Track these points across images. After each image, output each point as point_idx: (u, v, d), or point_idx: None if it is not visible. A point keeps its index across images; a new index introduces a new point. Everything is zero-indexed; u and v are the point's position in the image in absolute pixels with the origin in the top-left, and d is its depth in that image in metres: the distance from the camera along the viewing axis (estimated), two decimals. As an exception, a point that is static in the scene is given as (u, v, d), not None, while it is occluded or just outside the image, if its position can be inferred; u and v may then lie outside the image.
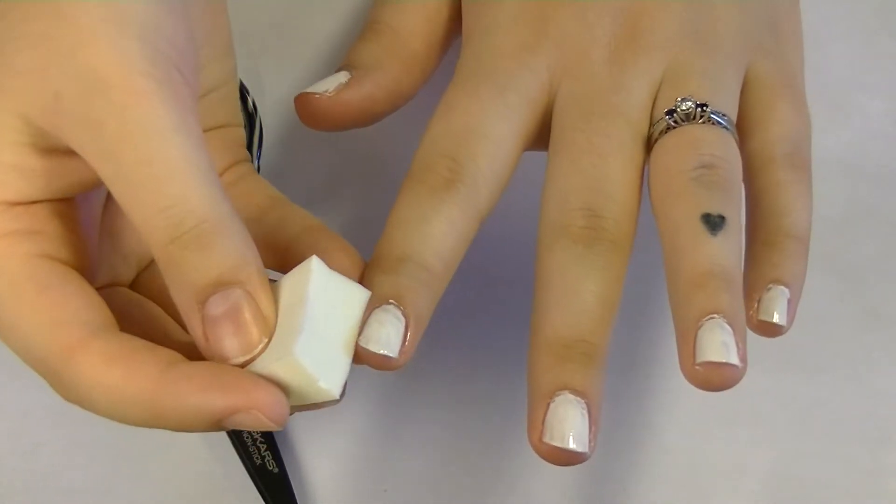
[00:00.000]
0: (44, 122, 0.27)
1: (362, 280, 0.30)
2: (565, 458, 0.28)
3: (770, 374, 0.42)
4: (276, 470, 0.38)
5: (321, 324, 0.27)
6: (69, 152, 0.28)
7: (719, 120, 0.31)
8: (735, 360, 0.28)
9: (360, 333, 0.28)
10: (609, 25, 0.33)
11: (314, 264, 0.28)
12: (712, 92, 0.32)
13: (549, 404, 0.28)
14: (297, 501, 0.38)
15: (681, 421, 0.41)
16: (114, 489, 0.39)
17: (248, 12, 0.35)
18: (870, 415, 0.41)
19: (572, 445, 0.28)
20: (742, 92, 0.33)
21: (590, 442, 0.28)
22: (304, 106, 0.34)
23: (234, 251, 0.27)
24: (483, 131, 0.32)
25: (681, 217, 0.30)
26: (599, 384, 0.29)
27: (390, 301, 0.28)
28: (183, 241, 0.26)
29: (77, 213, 0.30)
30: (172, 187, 0.26)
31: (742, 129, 0.33)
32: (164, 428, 0.27)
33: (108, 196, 0.32)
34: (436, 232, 0.30)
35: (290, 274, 0.28)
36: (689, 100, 0.31)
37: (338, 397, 0.27)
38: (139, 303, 0.32)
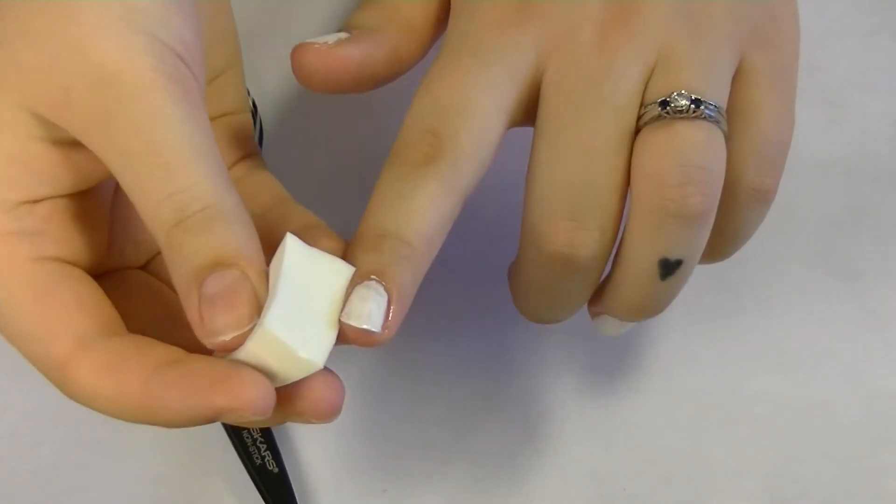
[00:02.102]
0: (52, 116, 0.28)
1: (345, 260, 0.30)
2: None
3: (770, 374, 0.42)
4: (276, 470, 0.38)
5: (298, 297, 0.27)
6: (76, 145, 0.28)
7: (711, 114, 0.31)
8: None
9: (342, 309, 0.28)
10: (598, 2, 0.32)
11: (289, 241, 0.28)
12: (705, 80, 0.31)
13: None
14: (297, 501, 0.38)
15: (681, 421, 0.41)
16: (114, 489, 0.39)
17: (248, 12, 0.35)
18: (870, 415, 0.41)
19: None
20: (733, 81, 0.33)
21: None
22: (301, 58, 0.33)
23: (235, 235, 0.27)
24: (466, 105, 0.31)
25: (641, 255, 0.31)
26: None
27: (372, 277, 0.28)
28: (186, 225, 0.26)
29: (84, 206, 0.31)
30: (179, 175, 0.27)
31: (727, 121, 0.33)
32: (160, 426, 0.28)
33: (118, 184, 0.33)
34: (416, 207, 0.30)
35: (272, 259, 0.28)
36: (685, 96, 0.30)
37: (321, 367, 0.27)
38: (149, 286, 0.33)
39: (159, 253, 0.33)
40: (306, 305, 0.28)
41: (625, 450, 0.41)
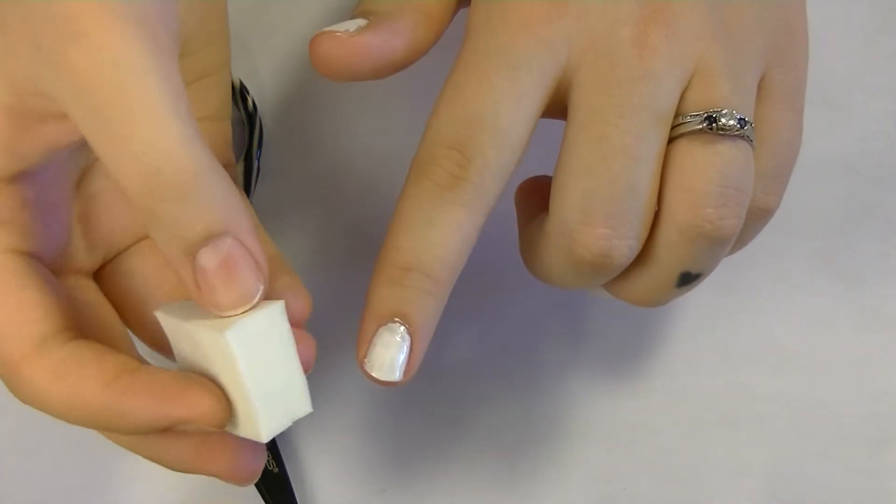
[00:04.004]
0: (27, 77, 0.27)
1: (367, 289, 0.30)
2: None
3: (770, 374, 0.42)
4: (276, 470, 0.39)
5: (265, 381, 0.27)
6: (42, 118, 0.27)
7: (750, 135, 0.30)
8: None
9: (364, 354, 0.28)
10: (635, 2, 0.31)
11: (229, 337, 0.26)
12: (742, 96, 0.31)
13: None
14: (297, 501, 0.38)
15: (681, 421, 0.41)
16: (114, 489, 0.39)
17: (248, 12, 0.35)
18: (870, 415, 0.41)
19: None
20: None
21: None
22: (320, 46, 0.32)
23: (218, 200, 0.26)
24: (493, 120, 0.30)
25: (666, 265, 0.31)
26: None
27: (395, 319, 0.28)
28: (161, 192, 0.25)
29: (49, 196, 0.30)
30: (147, 131, 0.25)
31: None
32: (109, 431, 0.28)
33: (81, 179, 0.32)
34: (442, 237, 0.29)
35: (212, 338, 0.27)
36: (732, 115, 0.30)
37: (264, 442, 0.28)
38: (92, 305, 0.32)
39: (114, 259, 0.33)
40: (273, 382, 0.27)
41: (625, 450, 0.41)
